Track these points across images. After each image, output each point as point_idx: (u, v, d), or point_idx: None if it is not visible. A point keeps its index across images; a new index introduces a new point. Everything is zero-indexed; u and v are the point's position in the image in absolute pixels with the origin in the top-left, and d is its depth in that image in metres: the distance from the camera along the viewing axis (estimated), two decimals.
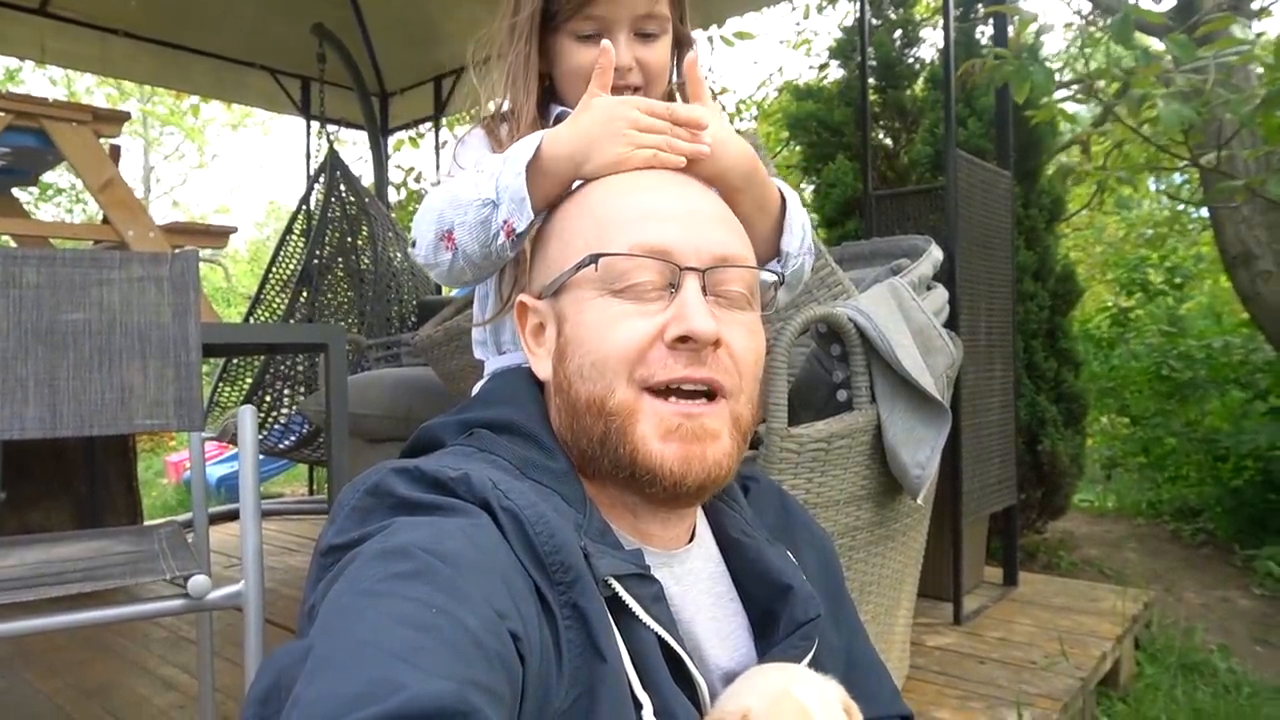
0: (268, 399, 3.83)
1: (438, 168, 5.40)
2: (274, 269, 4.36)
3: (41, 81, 13.40)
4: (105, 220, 2.32)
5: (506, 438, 0.75)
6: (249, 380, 3.99)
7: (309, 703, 0.46)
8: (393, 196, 5.72)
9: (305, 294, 4.23)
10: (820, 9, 6.38)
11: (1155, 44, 3.83)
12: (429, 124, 5.29)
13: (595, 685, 0.60)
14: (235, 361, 4.04)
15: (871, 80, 4.02)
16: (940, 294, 2.07)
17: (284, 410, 3.83)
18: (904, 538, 1.90)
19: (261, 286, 4.36)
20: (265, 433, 3.72)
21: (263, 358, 3.76)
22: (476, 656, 0.50)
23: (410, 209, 6.28)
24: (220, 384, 4.07)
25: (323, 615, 0.54)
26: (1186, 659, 2.67)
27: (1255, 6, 3.90)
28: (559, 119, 1.03)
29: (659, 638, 0.66)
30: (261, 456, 4.27)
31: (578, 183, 0.82)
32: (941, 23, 2.63)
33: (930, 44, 4.31)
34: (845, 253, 2.48)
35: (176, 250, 2.31)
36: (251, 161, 29.79)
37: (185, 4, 4.13)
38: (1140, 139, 2.84)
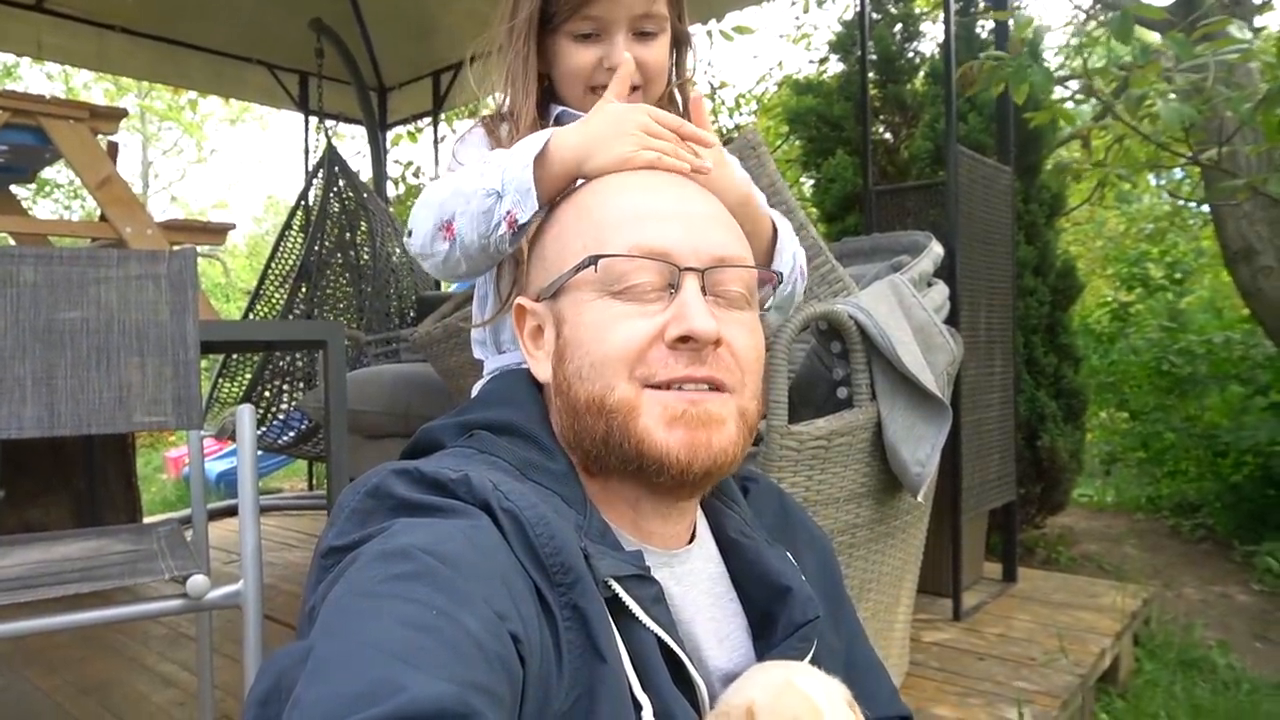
0: (267, 395, 3.83)
1: (436, 163, 5.39)
2: (273, 264, 4.35)
3: (38, 77, 13.37)
4: (103, 217, 2.31)
5: (506, 439, 0.75)
6: (249, 376, 3.98)
7: (309, 704, 0.46)
8: (391, 191, 5.71)
9: (304, 289, 4.23)
10: (820, 3, 6.37)
11: (1155, 37, 3.82)
12: (427, 119, 5.28)
13: (595, 686, 0.60)
14: (235, 357, 4.04)
15: (872, 75, 4.01)
16: (941, 290, 2.06)
17: (283, 406, 3.83)
18: (904, 535, 1.90)
19: (261, 282, 4.35)
20: (264, 429, 3.72)
21: (261, 354, 3.75)
22: (477, 658, 0.50)
23: (409, 204, 6.27)
24: (220, 380, 4.07)
25: (323, 617, 0.54)
26: (1185, 655, 2.67)
27: (1257, 1, 3.89)
28: (559, 119, 1.03)
29: (658, 639, 0.66)
30: (261, 452, 4.27)
31: (579, 182, 0.82)
32: (942, 17, 2.62)
33: (931, 38, 4.30)
34: (845, 248, 2.47)
35: (175, 248, 2.31)
36: (250, 156, 29.80)
37: None
38: (1140, 137, 2.83)
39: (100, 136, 2.31)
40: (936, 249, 2.11)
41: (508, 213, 0.82)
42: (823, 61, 5.59)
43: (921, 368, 1.72)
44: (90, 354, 1.41)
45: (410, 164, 6.25)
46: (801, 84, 4.79)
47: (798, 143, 4.69)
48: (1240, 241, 3.85)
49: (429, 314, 2.60)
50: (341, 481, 1.96)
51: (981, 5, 3.81)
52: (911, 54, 4.19)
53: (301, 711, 0.45)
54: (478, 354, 1.09)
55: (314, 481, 5.60)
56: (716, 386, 0.70)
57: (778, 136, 6.00)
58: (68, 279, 1.40)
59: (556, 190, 0.83)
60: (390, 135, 5.51)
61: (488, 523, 0.62)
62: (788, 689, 0.67)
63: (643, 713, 0.62)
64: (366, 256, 4.22)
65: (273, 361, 3.79)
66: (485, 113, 1.07)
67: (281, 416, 3.78)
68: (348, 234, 4.27)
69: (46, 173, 11.11)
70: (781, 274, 0.89)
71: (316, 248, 4.22)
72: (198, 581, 1.17)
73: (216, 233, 2.58)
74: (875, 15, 4.16)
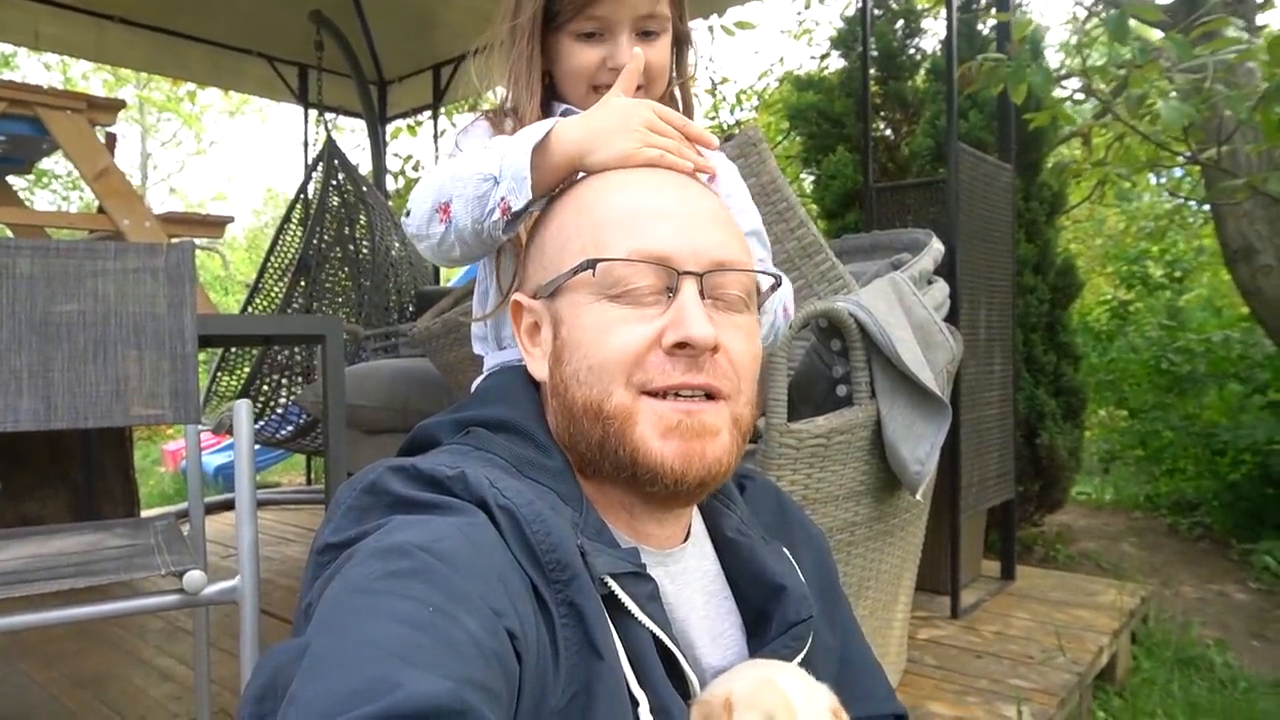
0: (265, 389, 3.82)
1: (436, 156, 5.38)
2: (272, 258, 4.34)
3: (36, 67, 13.33)
4: (101, 209, 2.30)
5: (503, 436, 0.75)
6: (247, 369, 3.98)
7: (305, 701, 0.45)
8: (391, 185, 5.70)
9: (303, 283, 4.22)
10: None
11: (1157, 34, 3.81)
12: (427, 112, 5.27)
13: (592, 683, 0.60)
14: (234, 351, 4.03)
15: (873, 71, 4.00)
16: (941, 288, 2.06)
17: (281, 400, 3.83)
18: (902, 533, 1.90)
19: (259, 275, 4.34)
20: (263, 423, 3.72)
21: (260, 348, 3.74)
22: (473, 655, 0.50)
23: (408, 198, 6.24)
24: (219, 373, 4.06)
25: (319, 613, 0.54)
26: (1183, 653, 2.67)
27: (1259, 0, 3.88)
28: (563, 117, 1.03)
29: (654, 636, 0.66)
30: (259, 446, 4.27)
31: (580, 174, 0.82)
32: (944, 13, 2.61)
33: (932, 35, 4.30)
34: (845, 245, 2.47)
35: (173, 241, 2.30)
36: (249, 148, 29.71)
37: None
38: (1140, 137, 2.83)
39: (98, 128, 2.30)
40: (937, 247, 2.10)
41: (502, 199, 0.81)
42: (824, 57, 5.58)
43: (921, 366, 1.71)
44: (87, 347, 1.40)
45: (410, 158, 6.23)
46: (802, 80, 4.78)
47: (798, 139, 4.68)
48: (1240, 240, 3.85)
49: (428, 308, 2.60)
50: (340, 476, 1.96)
51: (983, 2, 3.80)
52: (913, 50, 4.18)
53: (298, 708, 0.45)
54: (478, 349, 1.08)
55: (312, 476, 5.60)
56: (712, 394, 0.70)
57: (779, 133, 5.99)
58: (64, 271, 1.40)
59: (556, 181, 0.82)
60: (390, 128, 5.50)
61: (484, 520, 0.62)
62: (766, 685, 0.68)
63: (639, 708, 0.62)
64: (366, 250, 4.21)
65: (271, 356, 3.79)
66: (487, 107, 1.07)
67: (280, 411, 3.78)
68: (347, 228, 4.26)
69: (45, 163, 11.08)
70: (781, 277, 0.89)
71: (315, 241, 4.21)
72: (194, 577, 1.17)
73: (215, 225, 2.57)
74: (877, 11, 4.15)
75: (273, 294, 4.29)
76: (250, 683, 0.52)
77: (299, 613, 0.62)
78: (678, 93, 1.09)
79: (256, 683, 0.52)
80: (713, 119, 6.20)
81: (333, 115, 5.17)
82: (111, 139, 2.52)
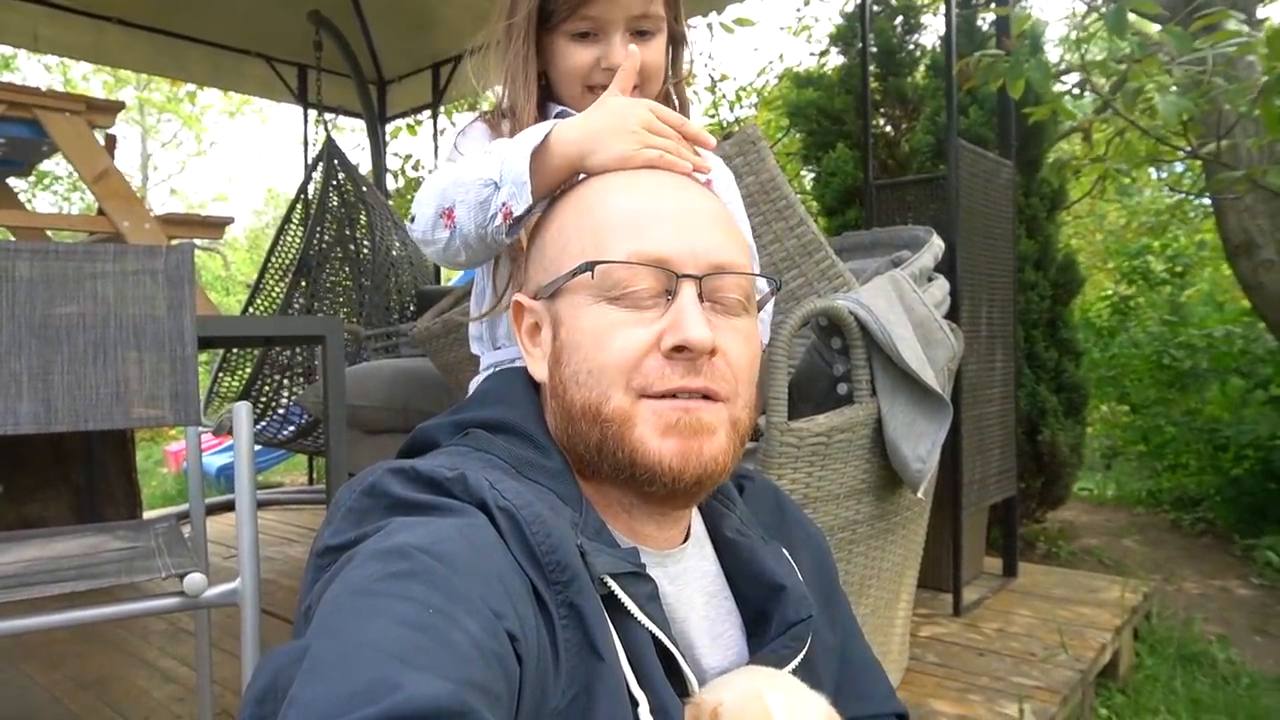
0: (266, 389, 3.82)
1: (436, 155, 5.38)
2: (273, 258, 4.35)
3: (37, 69, 13.34)
4: (101, 211, 2.30)
5: (502, 437, 0.75)
6: (249, 369, 3.98)
7: (305, 703, 0.45)
8: (391, 185, 5.70)
9: (304, 283, 4.22)
10: None
11: (1155, 28, 3.80)
12: (427, 112, 5.26)
13: (592, 684, 0.60)
14: (235, 351, 4.04)
15: (872, 68, 3.99)
16: (941, 285, 2.06)
17: (283, 401, 3.83)
18: (904, 531, 1.90)
19: (260, 276, 4.35)
20: (264, 423, 3.72)
21: (261, 349, 3.74)
22: (473, 657, 0.50)
23: (408, 197, 6.25)
24: (220, 374, 4.07)
25: (319, 616, 0.54)
26: (1186, 650, 2.67)
27: None
28: (558, 118, 1.03)
29: (653, 636, 0.66)
30: (261, 446, 4.28)
31: (581, 176, 0.82)
32: (943, 10, 2.60)
33: (932, 31, 4.29)
34: (845, 243, 2.46)
35: (173, 242, 2.30)
36: (250, 149, 29.73)
37: None
38: (1139, 131, 2.82)
39: (97, 130, 2.30)
40: (937, 244, 2.10)
41: (503, 204, 0.82)
42: (823, 54, 5.57)
43: (922, 363, 1.71)
44: (87, 349, 1.40)
45: (410, 157, 6.23)
46: (802, 77, 4.77)
47: (798, 136, 4.67)
48: (1241, 235, 3.84)
49: (428, 308, 2.60)
50: (340, 476, 1.96)
51: None
52: (912, 47, 4.18)
53: (298, 710, 0.45)
54: (474, 349, 1.08)
55: (314, 475, 5.60)
56: (710, 396, 0.70)
57: (778, 130, 5.98)
58: (64, 274, 1.40)
59: (556, 184, 0.82)
60: (389, 128, 5.49)
61: (484, 521, 0.62)
62: (754, 700, 0.67)
63: (639, 709, 0.62)
64: (366, 250, 4.21)
65: (272, 356, 3.79)
66: (485, 108, 1.07)
67: (281, 411, 3.78)
68: (347, 228, 4.26)
69: (46, 165, 11.09)
70: (779, 282, 0.89)
71: (316, 241, 4.21)
72: (194, 580, 1.17)
73: (215, 227, 2.57)
74: (876, 8, 4.14)
75: (274, 294, 4.30)
76: (250, 685, 0.53)
77: (299, 615, 0.62)
78: (673, 92, 1.09)
79: (257, 685, 0.52)
80: (712, 116, 6.20)
81: (332, 115, 5.17)
82: (111, 141, 2.52)
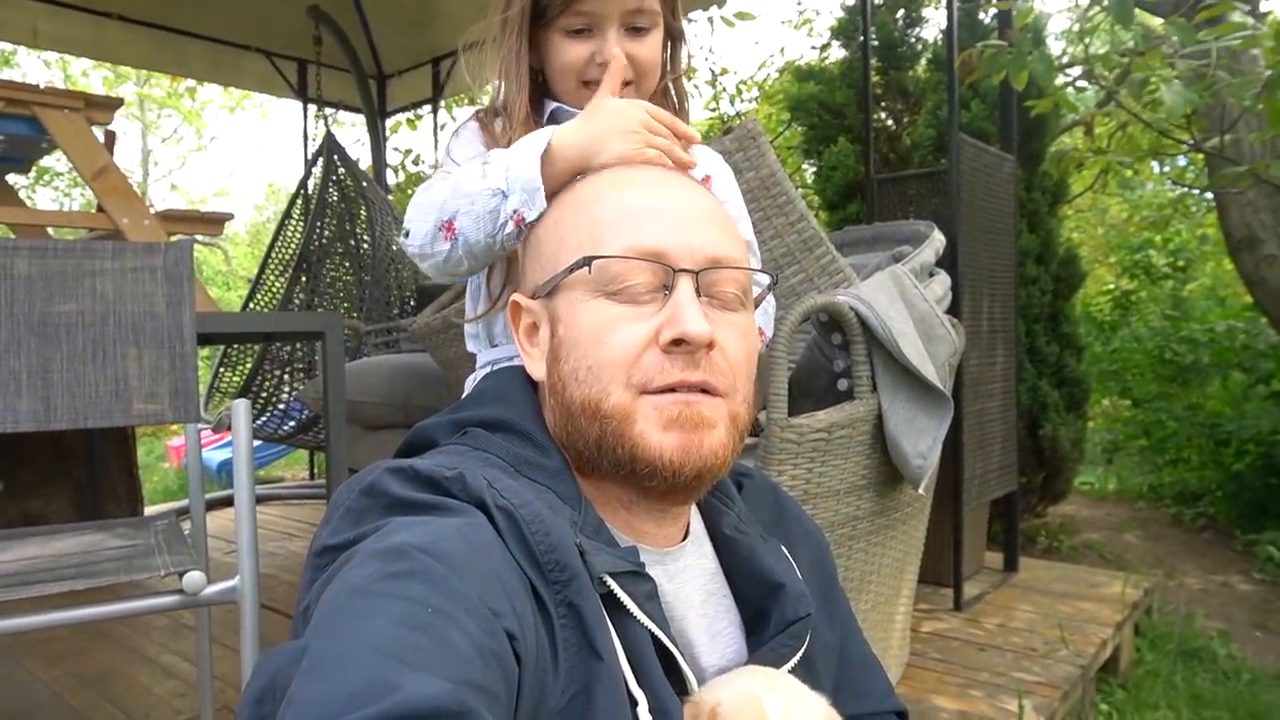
0: (267, 385, 3.83)
1: (436, 150, 5.37)
2: (273, 253, 4.34)
3: (36, 65, 13.32)
4: (100, 208, 2.30)
5: (500, 436, 0.75)
6: (249, 365, 3.98)
7: (304, 703, 0.45)
8: (391, 180, 5.69)
9: (305, 278, 4.22)
10: None
11: (1159, 22, 3.79)
12: (427, 106, 5.25)
13: (591, 683, 0.60)
14: (236, 347, 4.04)
15: (874, 61, 3.98)
16: (942, 281, 2.05)
17: (283, 396, 3.83)
18: (904, 527, 1.90)
19: (261, 271, 4.35)
20: (265, 418, 3.72)
21: (261, 344, 3.75)
22: (472, 656, 0.50)
23: (409, 192, 6.24)
24: (221, 369, 4.07)
25: (318, 615, 0.54)
26: (1186, 645, 2.67)
27: None
28: (554, 115, 1.03)
29: (652, 635, 0.65)
30: (261, 441, 4.28)
31: (578, 176, 0.82)
32: (944, 2, 2.59)
33: (933, 24, 4.27)
34: (846, 237, 2.46)
35: (172, 239, 2.29)
36: (250, 144, 29.73)
37: None
38: (1143, 124, 2.81)
39: (95, 126, 2.29)
40: (938, 239, 2.09)
41: (515, 211, 0.83)
42: (824, 47, 5.56)
43: (923, 359, 1.71)
44: (86, 347, 1.40)
45: (410, 152, 6.22)
46: (803, 70, 4.76)
47: (799, 130, 4.66)
48: (1243, 229, 3.83)
49: (428, 304, 2.59)
50: (341, 472, 1.96)
51: None
52: (914, 40, 4.16)
53: (296, 711, 0.45)
54: (471, 348, 1.08)
55: (315, 470, 5.61)
56: (709, 391, 0.70)
57: (779, 123, 5.97)
58: (62, 271, 1.39)
59: (560, 188, 0.83)
60: (389, 123, 5.48)
61: (483, 520, 0.62)
62: (752, 700, 0.67)
63: (639, 708, 0.62)
64: (366, 245, 4.21)
65: (272, 352, 3.79)
66: (479, 108, 1.08)
67: (281, 406, 3.78)
68: (347, 223, 4.26)
69: (46, 161, 11.08)
70: (775, 277, 0.89)
71: (316, 236, 4.21)
72: (194, 578, 1.17)
73: (214, 223, 2.56)
74: (877, 1, 4.12)
75: (274, 289, 4.30)
76: (249, 685, 0.52)
77: (297, 615, 0.62)
78: (672, 88, 1.09)
79: (255, 685, 0.52)
80: (713, 110, 6.18)
81: (332, 110, 5.16)
82: (111, 137, 2.51)
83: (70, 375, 1.37)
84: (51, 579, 1.13)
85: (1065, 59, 5.05)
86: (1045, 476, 3.56)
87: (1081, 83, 4.68)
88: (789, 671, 0.74)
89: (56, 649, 2.40)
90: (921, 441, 1.71)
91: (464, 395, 0.92)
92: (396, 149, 6.09)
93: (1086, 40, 2.62)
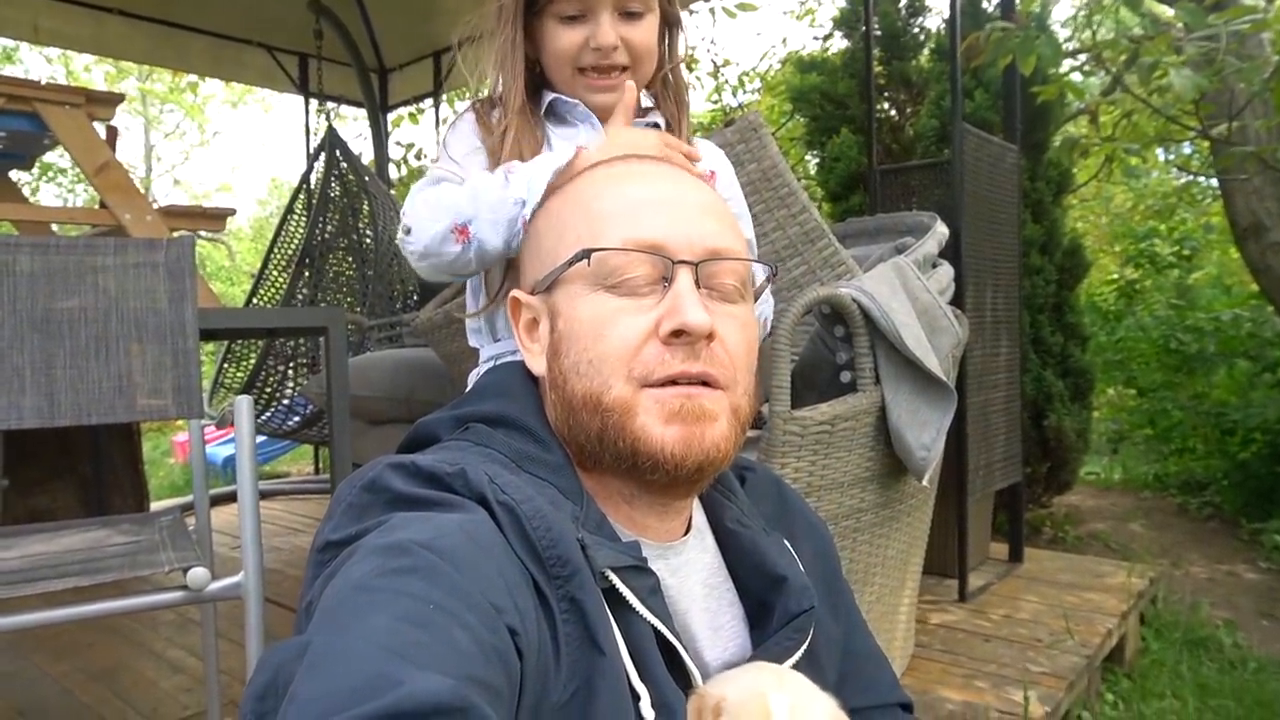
0: (271, 380, 3.83)
1: (438, 144, 5.36)
2: (276, 248, 4.35)
3: (38, 60, 13.32)
4: (103, 204, 2.30)
5: (502, 431, 0.75)
6: (253, 360, 3.99)
7: (306, 699, 0.45)
8: (393, 174, 5.68)
9: (307, 273, 4.22)
10: None
11: (1166, 10, 3.76)
12: (429, 100, 5.24)
13: (593, 678, 0.60)
14: (239, 342, 4.04)
15: (876, 51, 3.96)
16: (945, 272, 2.04)
17: (287, 391, 3.84)
18: (908, 519, 1.89)
19: (263, 266, 4.35)
20: (269, 414, 3.73)
21: (264, 340, 3.75)
22: (474, 652, 0.50)
23: (411, 186, 6.22)
24: (225, 365, 4.07)
25: (320, 611, 0.54)
26: (1192, 634, 2.67)
27: None
28: (551, 105, 1.03)
29: (655, 629, 0.65)
30: (266, 437, 4.29)
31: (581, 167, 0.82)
32: None
33: (936, 13, 4.25)
34: (849, 229, 2.45)
35: (174, 234, 2.29)
36: (253, 139, 29.72)
37: None
38: (1150, 110, 2.79)
39: (97, 122, 2.29)
40: (941, 230, 2.09)
41: (527, 217, 0.86)
42: (827, 38, 5.53)
43: (926, 351, 1.70)
44: (89, 343, 1.40)
45: (412, 146, 6.21)
46: (805, 61, 4.74)
47: (801, 121, 4.64)
48: (1249, 217, 3.82)
49: (431, 298, 2.59)
50: (344, 467, 1.96)
51: None
52: (917, 30, 4.14)
53: (298, 707, 0.45)
54: (473, 342, 1.09)
55: (320, 465, 5.62)
56: (709, 383, 0.70)
57: (781, 115, 5.95)
58: (65, 268, 1.40)
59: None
60: (391, 117, 5.47)
61: (484, 516, 0.62)
62: (757, 699, 0.67)
63: (641, 703, 0.62)
64: (369, 239, 4.21)
65: (276, 347, 3.79)
66: (476, 99, 1.08)
67: (285, 402, 3.79)
68: (350, 217, 4.26)
69: (49, 157, 11.10)
70: (775, 269, 0.89)
71: (319, 231, 4.21)
72: (198, 574, 1.17)
73: (216, 218, 2.56)
74: None
75: (277, 284, 4.30)
76: (252, 680, 0.52)
77: (300, 611, 0.62)
78: (670, 76, 1.08)
79: (258, 681, 0.52)
80: (715, 102, 6.16)
81: (334, 104, 5.15)
82: (113, 133, 2.52)
83: (74, 371, 1.37)
84: (57, 575, 1.13)
85: (1070, 46, 5.01)
86: (1050, 467, 3.55)
87: (1088, 68, 4.65)
88: (793, 665, 0.74)
89: (64, 644, 2.41)
90: (925, 433, 1.71)
91: (467, 390, 0.92)
92: (399, 143, 6.08)
93: (1096, 22, 2.60)
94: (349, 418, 2.06)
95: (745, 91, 6.65)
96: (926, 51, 4.09)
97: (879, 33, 4.02)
